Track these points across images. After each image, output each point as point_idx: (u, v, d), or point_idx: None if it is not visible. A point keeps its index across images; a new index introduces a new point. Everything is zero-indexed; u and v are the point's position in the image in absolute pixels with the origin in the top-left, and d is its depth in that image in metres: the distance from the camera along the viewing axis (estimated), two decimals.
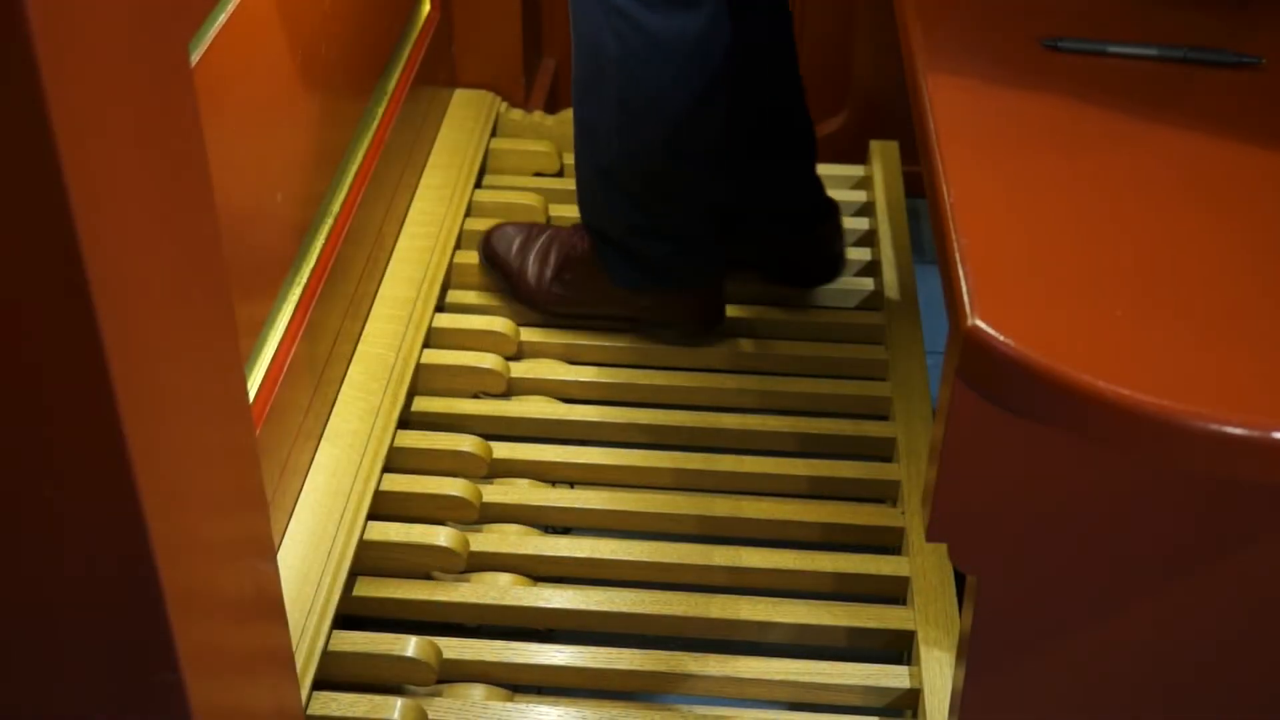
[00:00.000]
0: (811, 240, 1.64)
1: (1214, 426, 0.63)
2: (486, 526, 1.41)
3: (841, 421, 1.52)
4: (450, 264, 1.66)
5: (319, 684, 1.19)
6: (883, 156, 1.88)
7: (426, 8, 1.82)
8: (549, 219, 1.79)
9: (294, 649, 1.12)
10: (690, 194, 1.47)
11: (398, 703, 1.18)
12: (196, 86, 0.74)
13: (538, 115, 1.93)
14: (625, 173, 1.44)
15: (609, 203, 1.48)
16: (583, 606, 1.30)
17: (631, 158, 1.42)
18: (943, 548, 1.19)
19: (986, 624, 0.79)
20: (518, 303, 1.61)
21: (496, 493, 1.42)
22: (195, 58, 1.04)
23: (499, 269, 1.62)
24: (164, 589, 0.72)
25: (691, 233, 1.51)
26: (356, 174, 1.51)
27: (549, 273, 1.57)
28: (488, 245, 1.63)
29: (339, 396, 1.43)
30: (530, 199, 1.77)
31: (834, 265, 1.68)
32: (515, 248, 1.60)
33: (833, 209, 1.65)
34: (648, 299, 1.55)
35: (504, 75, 1.93)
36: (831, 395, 1.55)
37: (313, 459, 1.35)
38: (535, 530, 1.41)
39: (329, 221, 1.43)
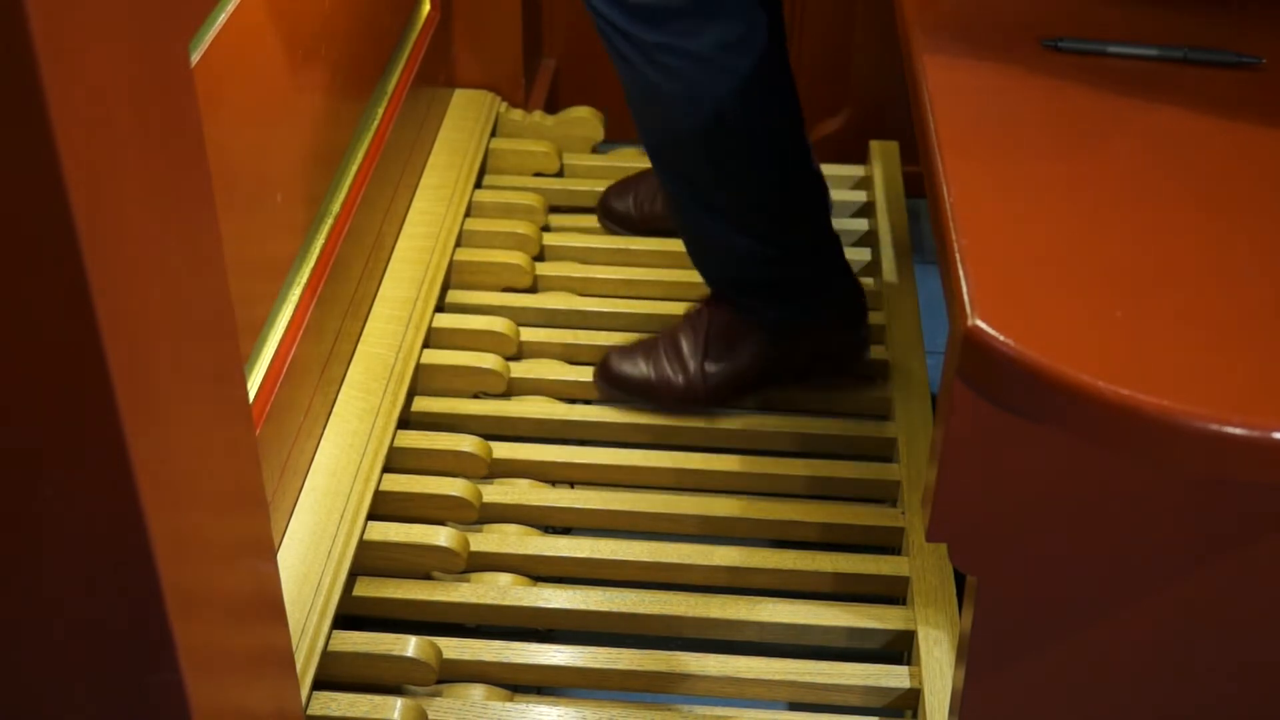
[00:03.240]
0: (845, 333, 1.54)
1: (1214, 426, 0.63)
2: (486, 526, 1.41)
3: (841, 422, 1.52)
4: (450, 264, 1.66)
5: (319, 684, 1.19)
6: (883, 156, 1.88)
7: (426, 8, 1.82)
8: (547, 222, 1.79)
9: (294, 649, 1.12)
10: (796, 204, 1.44)
11: (398, 703, 1.18)
12: (196, 86, 0.74)
13: (538, 115, 1.93)
14: (734, 208, 1.40)
15: (735, 246, 1.43)
16: (583, 606, 1.30)
17: (731, 185, 1.39)
18: (943, 548, 1.20)
19: (986, 624, 0.79)
20: (673, 413, 1.52)
21: (496, 493, 1.42)
22: (195, 58, 1.04)
23: (634, 389, 1.52)
24: (164, 589, 0.72)
25: (822, 252, 1.47)
26: (356, 174, 1.51)
27: (694, 362, 1.50)
28: (609, 372, 1.53)
29: (339, 396, 1.43)
30: (530, 199, 1.77)
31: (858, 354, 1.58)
32: (641, 362, 1.52)
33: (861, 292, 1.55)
34: (802, 336, 1.51)
35: (504, 75, 1.93)
36: (831, 395, 1.55)
37: (313, 459, 1.35)
38: (535, 530, 1.41)
39: (329, 221, 1.43)
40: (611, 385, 1.53)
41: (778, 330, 1.50)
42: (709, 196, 1.41)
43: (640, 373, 1.52)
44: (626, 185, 1.78)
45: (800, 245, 1.46)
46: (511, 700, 1.25)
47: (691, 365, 1.50)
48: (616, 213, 1.77)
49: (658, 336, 1.54)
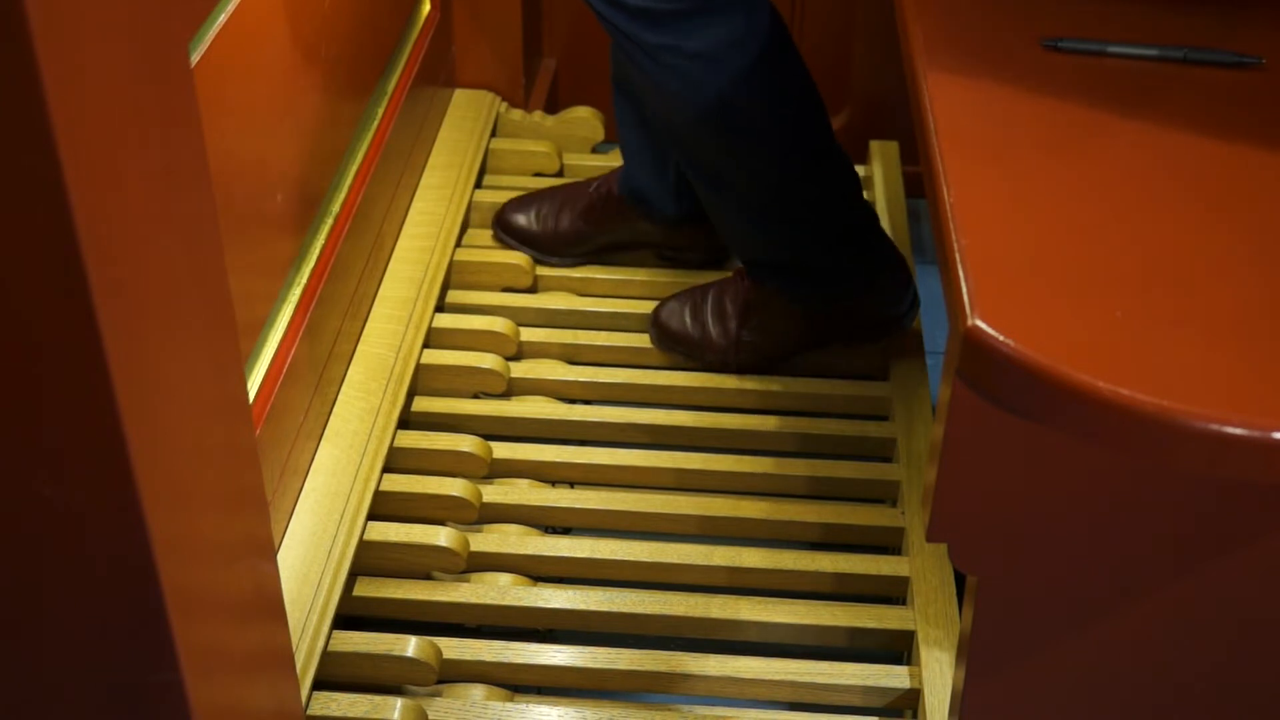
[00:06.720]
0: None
1: (1214, 426, 0.63)
2: (486, 526, 1.41)
3: (841, 421, 1.52)
4: (450, 264, 1.66)
5: (319, 684, 1.19)
6: (883, 156, 1.88)
7: (426, 8, 1.82)
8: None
9: (294, 649, 1.12)
10: (818, 189, 1.45)
11: (398, 703, 1.18)
12: (196, 86, 0.74)
13: (538, 115, 1.93)
14: (754, 194, 1.43)
15: (759, 230, 1.47)
16: (583, 606, 1.30)
17: (748, 174, 1.41)
18: (943, 548, 1.20)
19: (986, 624, 0.79)
20: (710, 369, 1.57)
21: (496, 493, 1.42)
22: (195, 58, 1.04)
23: (680, 344, 1.58)
24: (164, 589, 0.72)
25: (853, 232, 1.50)
26: (356, 174, 1.51)
27: (733, 326, 1.54)
28: (661, 326, 1.59)
29: (339, 396, 1.43)
30: None
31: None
32: (688, 317, 1.57)
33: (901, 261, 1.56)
34: (837, 312, 1.53)
35: (504, 75, 1.93)
36: (831, 395, 1.55)
37: (313, 459, 1.35)
38: (535, 530, 1.41)
39: (329, 221, 1.43)
40: (662, 334, 1.59)
41: (812, 307, 1.52)
42: (728, 184, 1.44)
43: (688, 328, 1.57)
44: (528, 200, 1.72)
45: (828, 228, 1.48)
46: (511, 700, 1.25)
47: (731, 329, 1.54)
48: (514, 227, 1.70)
49: (705, 293, 1.58)
